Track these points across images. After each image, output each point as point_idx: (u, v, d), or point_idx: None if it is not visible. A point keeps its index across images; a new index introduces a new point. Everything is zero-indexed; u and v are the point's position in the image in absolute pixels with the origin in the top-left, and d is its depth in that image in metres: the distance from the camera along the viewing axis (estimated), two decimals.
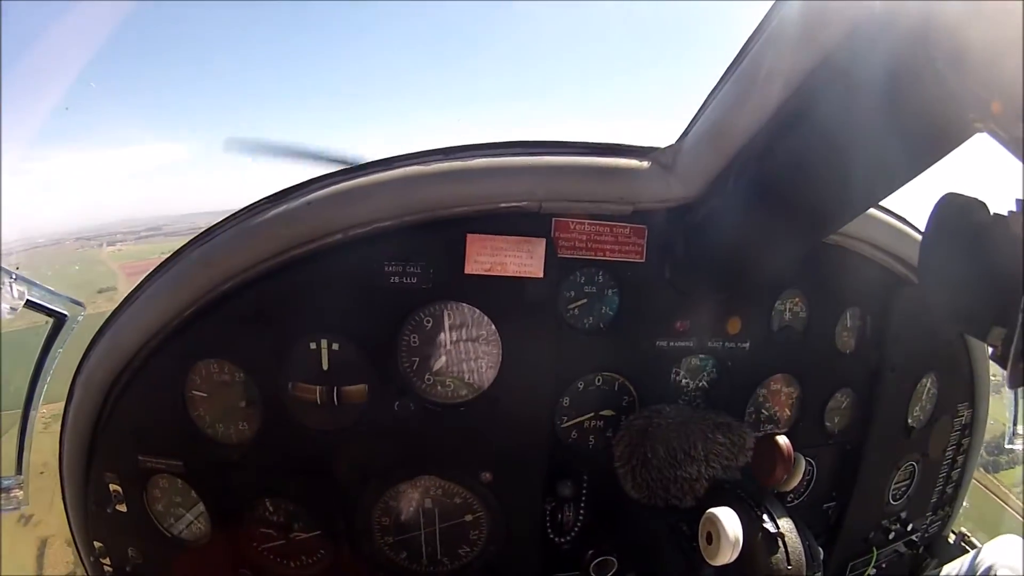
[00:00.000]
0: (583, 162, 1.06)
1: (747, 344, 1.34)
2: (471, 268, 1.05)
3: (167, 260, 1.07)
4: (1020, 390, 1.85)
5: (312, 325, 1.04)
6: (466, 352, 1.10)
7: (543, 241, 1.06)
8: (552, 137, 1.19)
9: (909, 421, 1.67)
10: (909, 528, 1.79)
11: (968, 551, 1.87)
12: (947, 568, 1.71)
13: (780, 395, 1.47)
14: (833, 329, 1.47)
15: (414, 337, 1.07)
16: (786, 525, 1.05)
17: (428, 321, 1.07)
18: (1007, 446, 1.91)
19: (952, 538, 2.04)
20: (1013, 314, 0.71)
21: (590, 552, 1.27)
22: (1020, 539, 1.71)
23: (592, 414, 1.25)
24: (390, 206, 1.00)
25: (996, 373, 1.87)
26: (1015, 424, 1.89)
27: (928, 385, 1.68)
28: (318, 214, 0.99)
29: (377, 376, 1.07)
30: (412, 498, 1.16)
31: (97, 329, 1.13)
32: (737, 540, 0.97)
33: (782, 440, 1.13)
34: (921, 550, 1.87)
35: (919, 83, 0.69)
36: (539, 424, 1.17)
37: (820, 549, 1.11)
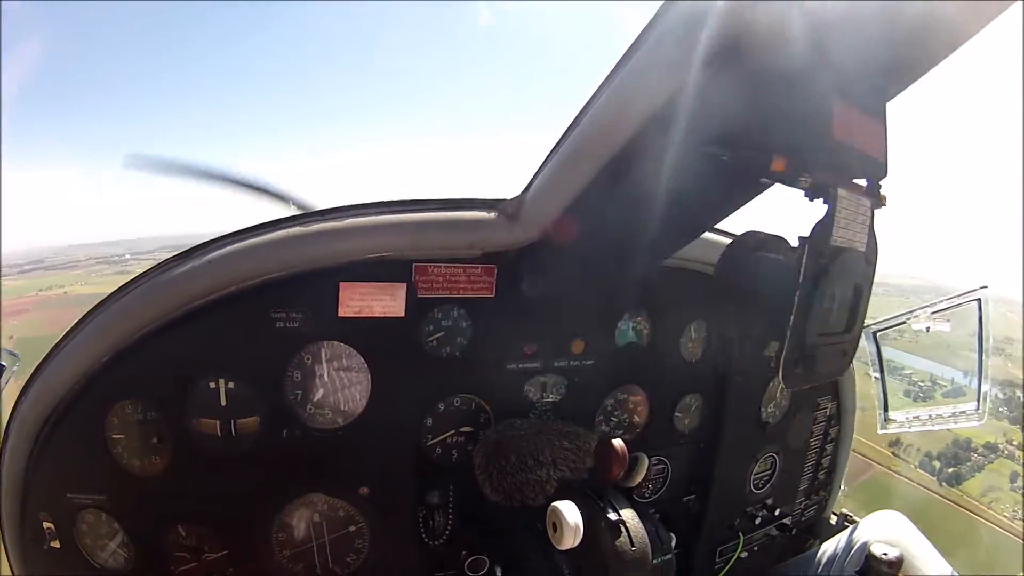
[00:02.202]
0: (438, 217, 1.27)
1: (591, 361, 1.55)
2: (343, 312, 1.24)
3: (91, 310, 1.23)
4: (882, 383, 2.11)
5: (211, 366, 1.21)
6: (340, 383, 1.29)
7: (404, 285, 1.27)
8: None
9: (763, 417, 1.91)
10: (777, 513, 2.03)
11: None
12: (825, 545, 1.95)
13: (628, 403, 1.68)
14: (678, 341, 1.69)
15: (296, 373, 1.26)
16: (628, 514, 1.24)
17: (308, 358, 1.26)
18: (880, 432, 2.16)
19: (834, 519, 2.31)
20: (784, 331, 0.93)
21: (464, 552, 1.47)
22: (896, 514, 1.91)
23: (453, 431, 1.45)
24: (275, 263, 1.19)
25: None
26: (884, 410, 2.14)
27: (781, 385, 1.92)
28: (216, 271, 1.17)
29: (267, 408, 1.25)
30: (303, 514, 1.33)
31: (29, 375, 1.26)
32: (577, 526, 1.16)
33: (616, 442, 1.33)
34: (795, 532, 2.11)
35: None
36: (406, 443, 1.37)
37: (671, 535, 1.31)
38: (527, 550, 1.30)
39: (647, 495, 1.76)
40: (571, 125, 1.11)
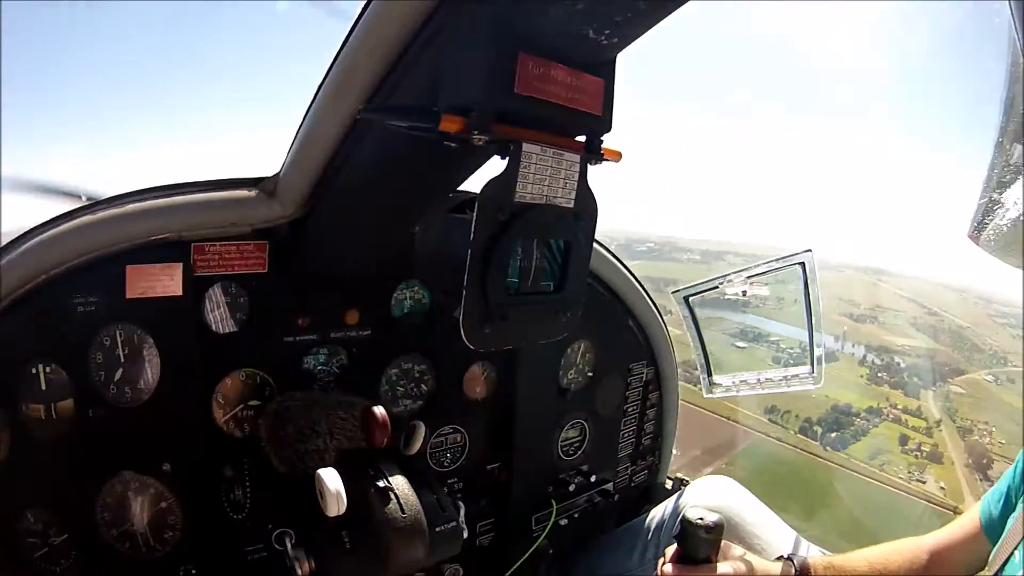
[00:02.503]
0: (207, 198, 1.32)
1: (368, 332, 1.56)
2: (131, 293, 1.28)
3: None
4: (702, 347, 2.12)
5: (32, 353, 1.23)
6: (135, 363, 1.33)
7: (180, 265, 1.31)
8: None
9: (563, 384, 1.92)
10: (594, 480, 2.04)
11: None
12: (654, 511, 1.97)
13: (413, 372, 1.68)
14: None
15: (99, 354, 1.28)
16: (398, 481, 1.25)
17: (107, 340, 1.29)
18: (705, 396, 2.18)
19: (669, 484, 2.34)
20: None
21: (269, 526, 1.48)
22: (724, 478, 1.94)
23: (242, 405, 1.46)
24: (71, 250, 1.23)
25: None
26: (708, 375, 2.15)
27: (581, 351, 1.94)
28: (28, 261, 1.21)
29: (78, 390, 1.27)
30: (121, 493, 1.34)
31: None
32: (339, 492, 1.16)
33: (376, 410, 1.31)
34: (619, 498, 2.14)
35: None
36: (197, 418, 1.39)
37: (459, 503, 1.34)
38: (316, 520, 1.30)
39: (447, 464, 1.77)
40: (312, 97, 1.14)
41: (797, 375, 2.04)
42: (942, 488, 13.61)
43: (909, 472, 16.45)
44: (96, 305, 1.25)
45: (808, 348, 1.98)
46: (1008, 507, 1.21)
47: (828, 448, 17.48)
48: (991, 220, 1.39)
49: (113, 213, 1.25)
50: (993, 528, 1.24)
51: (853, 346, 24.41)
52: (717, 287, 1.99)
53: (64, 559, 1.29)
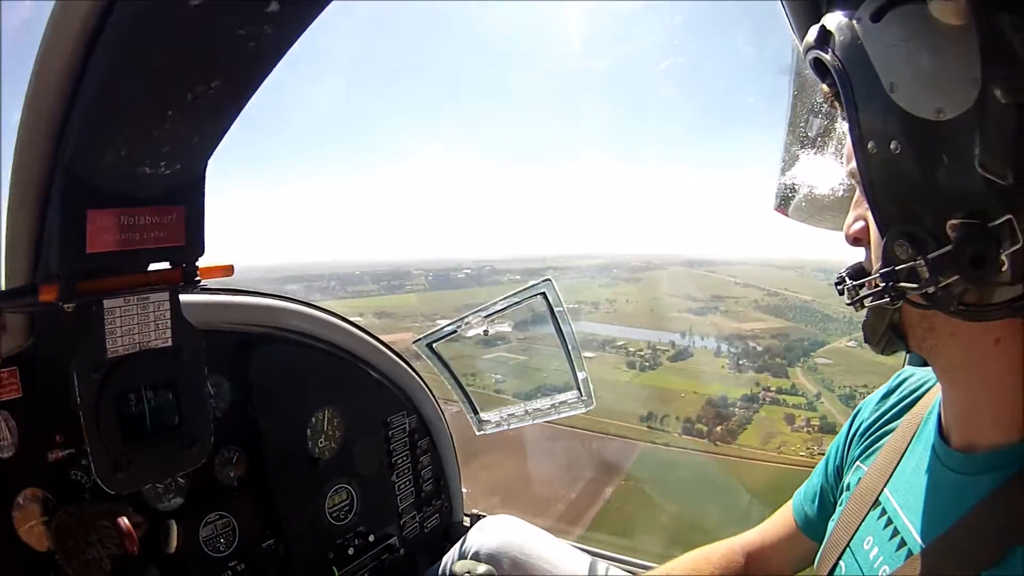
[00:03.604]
0: None
1: None
2: None
3: None
4: (459, 387, 2.23)
5: None
6: None
7: None
8: None
9: (315, 454, 1.98)
10: (372, 539, 2.10)
11: None
12: (445, 557, 2.00)
13: None
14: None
15: None
16: None
17: None
18: (478, 433, 2.23)
19: (468, 520, 2.43)
20: None
21: None
22: (508, 517, 1.99)
23: (33, 522, 1.44)
24: None
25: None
26: (474, 413, 2.21)
27: (326, 418, 2.02)
28: None
29: None
30: None
31: None
32: None
33: (121, 521, 1.39)
34: (402, 552, 2.20)
35: None
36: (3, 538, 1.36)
37: None
38: None
39: (223, 549, 1.77)
40: None
41: (566, 401, 2.10)
42: None
43: (808, 448, 16.89)
44: None
45: (571, 372, 2.05)
46: (825, 508, 1.16)
47: (718, 443, 18.09)
48: (794, 192, 1.52)
49: None
50: (812, 527, 1.19)
51: (703, 339, 25.75)
52: (456, 331, 2.07)
53: None
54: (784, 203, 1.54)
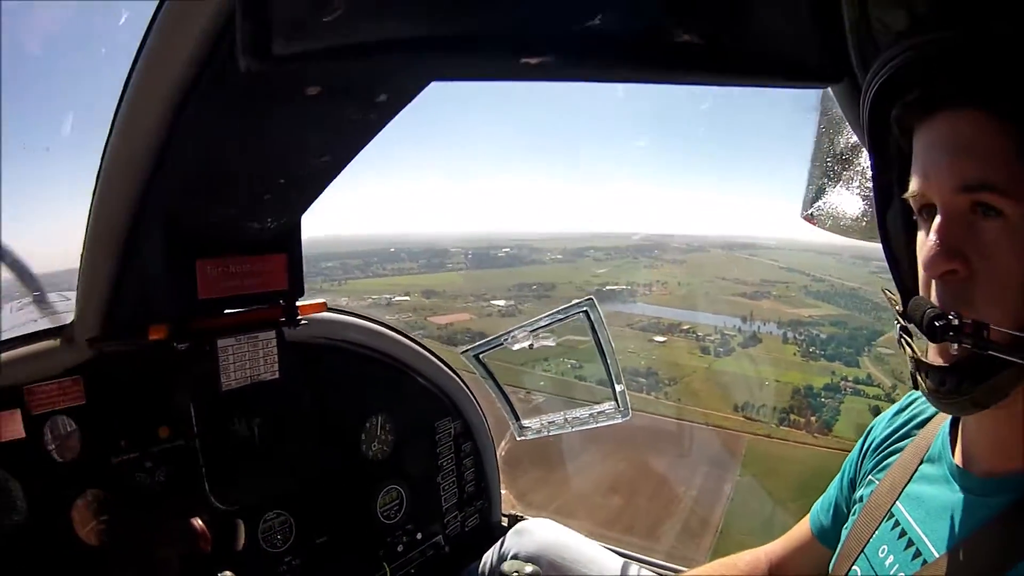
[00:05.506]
0: (26, 351, 1.45)
1: (182, 441, 1.72)
2: None
3: None
4: (503, 396, 2.35)
5: None
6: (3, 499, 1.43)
7: (18, 410, 1.43)
8: None
9: (370, 456, 2.15)
10: (419, 537, 2.27)
11: None
12: (485, 556, 2.17)
13: None
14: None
15: None
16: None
17: None
18: (518, 439, 2.38)
19: (505, 521, 2.59)
20: None
21: None
22: (544, 521, 2.14)
23: (95, 522, 1.57)
24: None
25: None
26: (515, 420, 2.36)
27: (380, 423, 2.17)
28: None
29: None
30: None
31: None
32: None
33: (195, 522, 1.53)
34: (447, 549, 2.38)
35: None
36: (63, 539, 1.49)
37: None
38: None
39: (279, 545, 1.92)
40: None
41: (603, 411, 2.24)
42: None
43: None
44: None
45: (610, 385, 2.18)
46: (839, 518, 1.25)
47: (816, 435, 17.61)
48: (824, 203, 1.57)
49: None
50: (827, 536, 1.28)
51: (764, 324, 25.08)
52: (502, 344, 2.20)
53: None
54: (811, 213, 1.59)
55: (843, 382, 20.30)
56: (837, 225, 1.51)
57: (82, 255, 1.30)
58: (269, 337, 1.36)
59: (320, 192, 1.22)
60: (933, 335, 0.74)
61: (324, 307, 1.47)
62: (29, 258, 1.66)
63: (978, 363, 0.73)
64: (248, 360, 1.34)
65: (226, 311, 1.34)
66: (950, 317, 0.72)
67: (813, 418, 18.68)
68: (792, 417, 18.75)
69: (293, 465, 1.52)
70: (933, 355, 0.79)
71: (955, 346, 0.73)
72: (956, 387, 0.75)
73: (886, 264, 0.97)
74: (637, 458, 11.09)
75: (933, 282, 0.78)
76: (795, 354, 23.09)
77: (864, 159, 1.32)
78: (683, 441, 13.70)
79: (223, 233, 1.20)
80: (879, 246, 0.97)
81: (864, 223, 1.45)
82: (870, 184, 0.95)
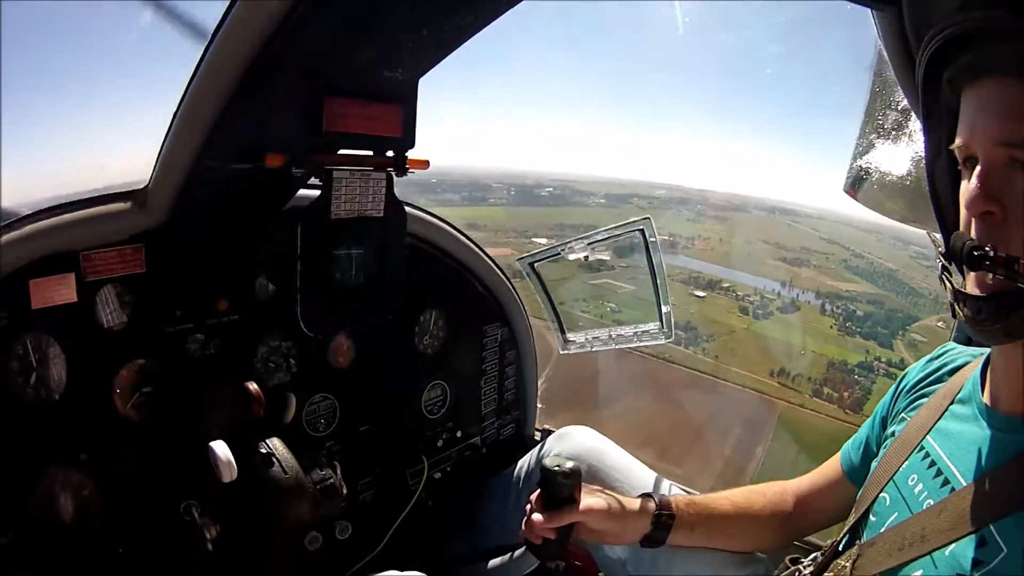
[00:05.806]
0: (89, 213, 1.46)
1: (237, 316, 1.73)
2: (36, 304, 1.41)
3: None
4: (552, 307, 2.38)
5: None
6: (45, 365, 1.46)
7: (72, 274, 1.45)
8: None
9: (420, 349, 2.16)
10: (459, 435, 2.32)
11: None
12: (521, 460, 2.18)
13: (281, 349, 1.86)
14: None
15: (14, 363, 1.41)
16: (276, 444, 1.45)
17: (20, 349, 1.42)
18: (560, 352, 2.40)
19: (538, 435, 2.63)
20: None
21: (177, 500, 1.62)
22: (583, 428, 2.11)
23: (138, 393, 1.60)
24: None
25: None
26: (561, 332, 2.39)
27: (433, 318, 2.18)
28: None
29: (5, 395, 1.41)
30: (48, 487, 1.48)
31: None
32: (229, 461, 1.35)
33: (251, 385, 1.56)
34: (487, 451, 2.43)
35: None
36: (103, 408, 1.55)
37: (335, 463, 1.56)
38: (214, 489, 1.47)
39: (321, 429, 1.95)
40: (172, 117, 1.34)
41: (648, 331, 2.24)
42: None
43: None
44: (7, 319, 1.39)
45: (656, 305, 2.18)
46: (869, 454, 1.32)
47: (848, 412, 17.64)
48: (866, 178, 1.60)
49: (15, 236, 1.38)
50: (855, 474, 1.34)
51: (803, 293, 25.17)
52: (559, 254, 2.22)
53: (9, 559, 1.41)
54: (855, 186, 1.63)
55: (876, 362, 20.40)
56: (883, 196, 1.55)
57: (175, 114, 1.31)
58: (380, 178, 1.43)
59: (447, 54, 1.26)
60: (972, 263, 0.81)
61: (427, 164, 1.50)
62: None
63: (1011, 295, 0.80)
64: (359, 194, 1.42)
65: (340, 152, 1.40)
66: (986, 249, 0.79)
67: (846, 394, 18.78)
68: (826, 391, 18.95)
69: (386, 301, 1.60)
70: (971, 286, 0.86)
71: (990, 277, 0.81)
72: (992, 315, 0.83)
73: (924, 251, 1.03)
74: (673, 410, 11.29)
75: (973, 222, 0.86)
76: (832, 327, 22.98)
77: (910, 135, 1.39)
78: (718, 398, 13.99)
79: (353, 77, 1.23)
80: (919, 231, 1.09)
81: (903, 204, 1.49)
82: (913, 166, 1.11)
